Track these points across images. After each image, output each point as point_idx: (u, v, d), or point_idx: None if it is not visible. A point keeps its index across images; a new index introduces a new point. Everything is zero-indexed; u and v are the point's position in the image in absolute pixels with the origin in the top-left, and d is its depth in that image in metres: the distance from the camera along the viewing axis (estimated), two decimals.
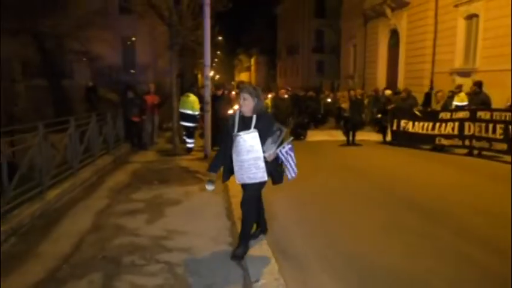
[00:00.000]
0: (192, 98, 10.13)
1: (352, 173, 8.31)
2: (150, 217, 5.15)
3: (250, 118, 3.72)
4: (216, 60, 39.77)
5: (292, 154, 3.77)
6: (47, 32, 14.92)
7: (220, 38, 28.11)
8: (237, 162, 3.75)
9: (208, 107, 9.49)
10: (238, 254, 3.81)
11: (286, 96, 13.68)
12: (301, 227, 5.07)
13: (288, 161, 3.76)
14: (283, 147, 3.70)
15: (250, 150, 3.64)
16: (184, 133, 10.64)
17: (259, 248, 4.06)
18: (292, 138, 3.91)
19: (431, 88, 16.06)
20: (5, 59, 17.59)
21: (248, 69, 69.02)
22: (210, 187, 4.01)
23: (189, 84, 16.55)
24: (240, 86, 3.82)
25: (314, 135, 13.61)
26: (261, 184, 3.84)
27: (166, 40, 19.47)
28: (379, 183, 7.33)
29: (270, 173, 3.76)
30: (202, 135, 10.44)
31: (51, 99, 16.74)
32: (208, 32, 9.34)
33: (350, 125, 12.01)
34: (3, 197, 4.54)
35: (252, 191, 3.88)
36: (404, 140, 11.48)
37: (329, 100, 17.44)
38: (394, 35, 20.40)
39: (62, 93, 16.62)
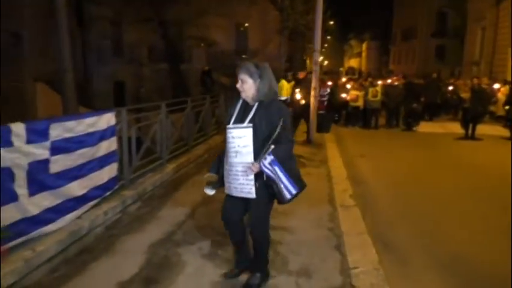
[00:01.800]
0: (280, 84, 10.29)
1: (468, 171, 7.61)
2: None
3: (252, 107, 2.81)
4: (325, 45, 39.16)
5: (278, 167, 2.67)
6: (171, 19, 16.24)
7: (331, 22, 27.56)
8: (225, 166, 2.88)
9: (316, 92, 9.48)
10: (253, 283, 3.05)
11: (397, 83, 12.97)
12: (406, 222, 4.86)
13: (277, 176, 2.68)
14: (265, 158, 2.64)
15: (239, 151, 2.72)
16: None
17: (359, 238, 4.03)
18: (272, 146, 2.65)
19: None
20: (135, 45, 19.71)
21: (359, 55, 66.60)
22: (208, 191, 3.07)
23: (295, 69, 16.66)
24: (239, 64, 2.83)
25: (426, 127, 12.71)
26: (258, 200, 2.80)
27: (277, 25, 19.86)
28: (499, 184, 6.61)
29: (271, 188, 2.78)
30: (307, 120, 10.50)
31: (170, 81, 18.34)
32: (319, 16, 9.26)
33: (469, 116, 10.94)
34: (132, 166, 5.18)
35: (257, 212, 2.89)
36: None
37: (451, 88, 15.84)
38: None
39: (180, 77, 18.06)
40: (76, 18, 15.40)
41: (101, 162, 4.21)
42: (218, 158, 3.07)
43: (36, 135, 3.22)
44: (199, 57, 20.03)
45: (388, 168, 7.59)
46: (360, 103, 12.83)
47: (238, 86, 2.81)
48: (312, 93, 9.48)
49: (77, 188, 3.81)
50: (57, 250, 3.43)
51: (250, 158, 2.70)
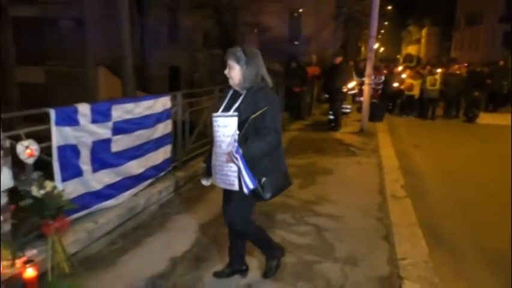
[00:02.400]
0: None
1: None
2: (303, 182, 5.44)
3: (240, 96, 2.66)
4: (382, 31, 37.73)
5: (240, 157, 2.45)
6: (226, 5, 16.39)
7: (389, 7, 26.48)
8: (212, 156, 2.75)
9: (369, 80, 9.24)
10: (269, 266, 3.03)
11: (459, 72, 12.28)
12: (458, 215, 4.67)
13: (241, 167, 2.47)
14: (233, 146, 2.46)
15: (223, 141, 2.57)
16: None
17: (409, 229, 3.94)
18: (237, 132, 2.50)
19: None
20: (190, 31, 20.13)
21: (417, 41, 63.50)
22: (204, 182, 3.00)
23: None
24: (228, 50, 2.69)
25: (489, 118, 11.94)
26: (241, 193, 2.60)
27: (332, 11, 19.43)
28: None
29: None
30: (360, 109, 10.29)
31: (223, 67, 18.58)
32: (377, 0, 8.96)
33: None
34: (185, 149, 5.38)
35: (237, 205, 2.75)
36: None
37: None
38: None
39: None
40: (136, 5, 15.97)
41: (156, 144, 4.42)
42: (211, 148, 2.84)
43: (100, 116, 3.44)
44: (251, 44, 20.09)
45: (443, 161, 7.28)
46: (416, 92, 12.32)
47: (225, 72, 2.67)
48: (366, 81, 9.25)
49: (134, 167, 4.04)
50: (115, 224, 3.68)
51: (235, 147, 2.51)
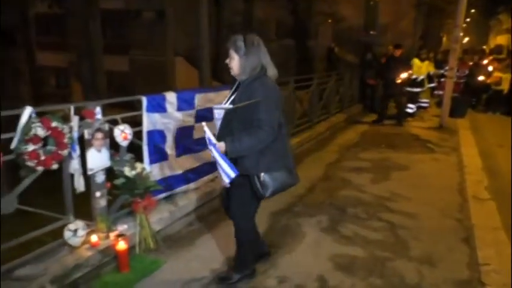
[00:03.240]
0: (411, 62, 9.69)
1: None
2: (375, 177, 5.32)
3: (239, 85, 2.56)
4: (467, 20, 34.95)
5: (214, 148, 2.37)
6: None
7: None
8: None
9: (452, 73, 8.69)
10: (221, 275, 2.87)
11: None
12: None
13: (217, 157, 2.39)
14: (208, 138, 2.39)
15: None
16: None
17: (493, 233, 3.71)
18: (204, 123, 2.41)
19: None
20: (264, 21, 20.27)
21: (508, 31, 57.89)
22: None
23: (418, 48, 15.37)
24: (230, 38, 2.50)
25: None
26: (237, 188, 2.57)
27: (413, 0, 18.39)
28: None
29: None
30: (439, 104, 9.75)
31: (295, 57, 18.53)
32: None
33: None
34: None
35: (234, 204, 2.68)
36: None
37: None
38: None
39: (306, 53, 18.11)
40: None
41: None
42: None
43: (185, 104, 3.65)
44: (325, 34, 19.76)
45: None
46: (505, 86, 11.34)
47: (227, 61, 2.54)
48: (449, 74, 8.73)
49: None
50: (193, 207, 3.89)
51: None
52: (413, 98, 9.83)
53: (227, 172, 2.38)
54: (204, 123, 2.41)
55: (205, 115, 3.92)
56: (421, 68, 9.76)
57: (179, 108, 3.56)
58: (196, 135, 3.87)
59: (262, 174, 2.48)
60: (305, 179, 5.16)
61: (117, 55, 16.69)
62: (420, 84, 9.77)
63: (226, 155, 2.39)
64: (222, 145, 2.40)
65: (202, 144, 3.96)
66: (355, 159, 6.22)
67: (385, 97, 9.18)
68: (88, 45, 11.65)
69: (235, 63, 2.49)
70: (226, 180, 2.43)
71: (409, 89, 9.82)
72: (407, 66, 8.98)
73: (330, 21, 18.78)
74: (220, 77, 16.39)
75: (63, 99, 17.49)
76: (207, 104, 3.91)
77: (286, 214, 4.07)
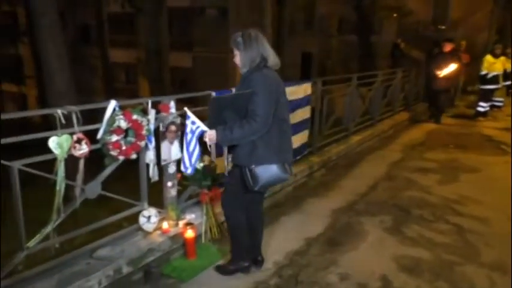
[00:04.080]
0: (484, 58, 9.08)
1: None
2: (443, 178, 5.10)
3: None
4: None
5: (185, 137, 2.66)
6: None
7: None
8: None
9: None
10: (219, 264, 2.94)
11: None
12: None
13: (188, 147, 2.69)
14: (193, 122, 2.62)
15: None
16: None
17: None
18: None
19: None
20: (326, 17, 20.01)
21: None
22: None
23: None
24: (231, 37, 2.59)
25: None
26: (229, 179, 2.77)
27: None
28: None
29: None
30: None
31: (356, 54, 18.09)
32: None
33: None
34: (320, 135, 5.48)
35: (225, 193, 2.80)
36: None
37: None
38: None
39: (368, 49, 17.62)
40: None
41: (295, 129, 4.59)
42: None
43: None
44: (389, 29, 19.09)
45: None
46: None
47: (234, 60, 2.60)
48: None
49: None
50: None
51: None
52: (486, 96, 9.23)
53: (185, 164, 2.80)
54: (186, 108, 2.64)
55: None
56: (494, 64, 9.11)
57: None
58: None
59: (253, 166, 2.48)
60: (367, 177, 5.10)
61: (181, 52, 17.32)
62: (494, 81, 9.13)
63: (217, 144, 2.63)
64: (212, 133, 2.47)
65: None
66: (421, 159, 6.00)
67: (433, 94, 8.69)
68: (156, 42, 12.22)
69: (237, 59, 2.56)
70: (182, 169, 2.82)
71: (481, 86, 9.25)
72: (453, 62, 8.34)
73: (395, 15, 18.09)
74: (281, 74, 16.44)
75: (132, 94, 18.53)
76: None
77: (347, 212, 4.04)
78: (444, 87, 8.41)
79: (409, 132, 7.84)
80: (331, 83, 6.84)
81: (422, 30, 18.07)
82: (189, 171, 2.85)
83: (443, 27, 18.71)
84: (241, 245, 2.79)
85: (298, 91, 4.53)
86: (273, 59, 2.56)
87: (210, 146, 2.83)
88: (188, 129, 2.68)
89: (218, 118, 2.49)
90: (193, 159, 2.78)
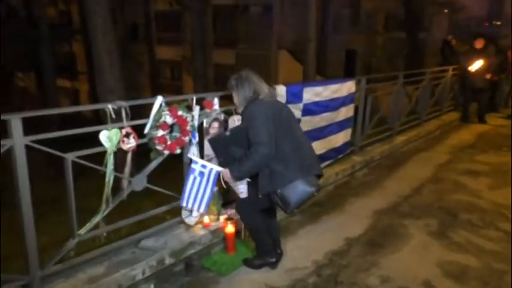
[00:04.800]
0: None
1: None
2: (494, 182, 4.85)
3: None
4: None
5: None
6: None
7: None
8: None
9: None
10: (252, 262, 2.94)
11: None
12: None
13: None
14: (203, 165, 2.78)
15: None
16: None
17: None
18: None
19: None
20: (372, 13, 19.51)
21: None
22: None
23: None
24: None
25: None
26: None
27: None
28: None
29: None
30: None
31: (403, 51, 17.50)
32: None
33: None
34: (363, 133, 5.37)
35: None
36: None
37: None
38: None
39: (416, 46, 17.00)
40: None
41: (338, 127, 4.54)
42: None
43: (294, 97, 3.73)
44: (439, 25, 18.30)
45: None
46: None
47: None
48: None
49: (317, 147, 4.24)
50: None
51: None
52: None
53: (197, 203, 2.82)
54: (190, 154, 2.84)
55: (311, 109, 3.98)
56: None
57: (288, 101, 3.64)
58: (302, 128, 3.93)
59: (279, 190, 2.51)
60: (411, 178, 4.94)
61: (225, 49, 17.51)
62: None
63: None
64: (226, 171, 2.61)
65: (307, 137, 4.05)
66: (470, 162, 5.73)
67: (470, 93, 8.18)
68: (201, 40, 12.43)
69: (235, 99, 2.72)
70: (196, 210, 2.87)
71: None
72: (482, 58, 7.75)
73: (446, 11, 17.33)
74: (324, 72, 16.25)
75: (176, 90, 19.01)
76: (315, 98, 3.95)
77: (389, 214, 3.94)
78: (480, 86, 7.93)
79: (457, 134, 7.50)
80: (376, 81, 6.68)
81: (476, 27, 17.18)
82: (202, 210, 2.87)
83: (498, 22, 17.71)
84: (265, 243, 2.89)
85: (342, 89, 4.46)
86: (267, 91, 2.66)
87: (227, 183, 2.97)
88: (196, 173, 2.76)
89: (226, 156, 2.66)
90: (205, 200, 2.82)
